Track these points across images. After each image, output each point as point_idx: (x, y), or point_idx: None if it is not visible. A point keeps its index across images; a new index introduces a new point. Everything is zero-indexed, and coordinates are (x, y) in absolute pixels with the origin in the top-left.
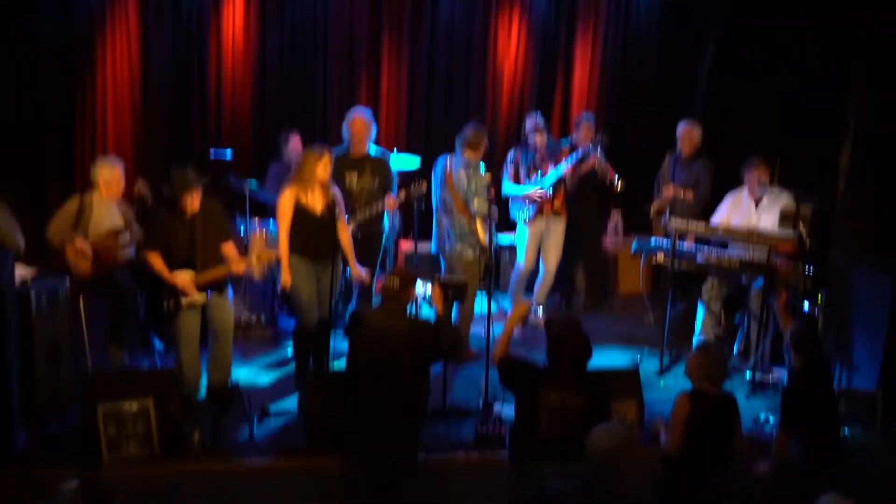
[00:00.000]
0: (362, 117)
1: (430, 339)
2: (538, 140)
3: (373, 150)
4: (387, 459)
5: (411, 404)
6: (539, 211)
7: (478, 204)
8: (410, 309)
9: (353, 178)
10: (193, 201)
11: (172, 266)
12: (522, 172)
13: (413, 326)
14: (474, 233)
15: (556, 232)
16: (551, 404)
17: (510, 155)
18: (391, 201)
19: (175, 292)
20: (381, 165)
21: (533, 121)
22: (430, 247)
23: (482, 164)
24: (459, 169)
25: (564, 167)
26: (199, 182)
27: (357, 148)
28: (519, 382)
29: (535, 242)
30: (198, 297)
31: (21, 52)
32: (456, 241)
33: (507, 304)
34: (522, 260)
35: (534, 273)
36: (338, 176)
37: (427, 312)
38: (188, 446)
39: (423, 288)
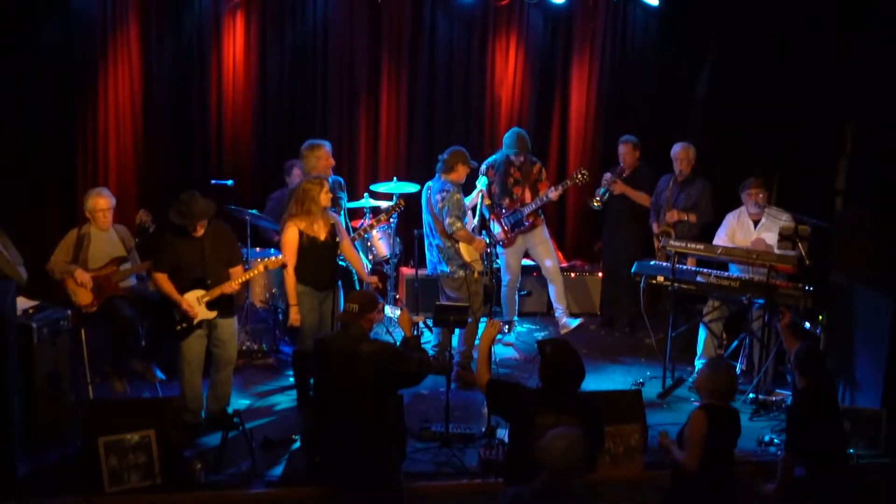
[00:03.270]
0: (328, 150)
1: (392, 362)
2: (516, 160)
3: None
4: (363, 483)
5: (380, 426)
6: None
7: (449, 223)
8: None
9: None
10: (196, 228)
11: (183, 286)
12: (497, 188)
13: (376, 349)
14: (460, 253)
15: (538, 236)
16: (547, 426)
17: (482, 168)
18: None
19: (186, 314)
20: (333, 194)
21: (518, 136)
22: (428, 271)
23: (484, 180)
24: (436, 193)
25: (549, 196)
26: (205, 213)
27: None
28: (510, 407)
29: (517, 256)
30: (208, 315)
31: (22, 84)
32: (446, 264)
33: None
34: (506, 274)
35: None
36: None
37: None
38: (190, 476)
39: (391, 312)
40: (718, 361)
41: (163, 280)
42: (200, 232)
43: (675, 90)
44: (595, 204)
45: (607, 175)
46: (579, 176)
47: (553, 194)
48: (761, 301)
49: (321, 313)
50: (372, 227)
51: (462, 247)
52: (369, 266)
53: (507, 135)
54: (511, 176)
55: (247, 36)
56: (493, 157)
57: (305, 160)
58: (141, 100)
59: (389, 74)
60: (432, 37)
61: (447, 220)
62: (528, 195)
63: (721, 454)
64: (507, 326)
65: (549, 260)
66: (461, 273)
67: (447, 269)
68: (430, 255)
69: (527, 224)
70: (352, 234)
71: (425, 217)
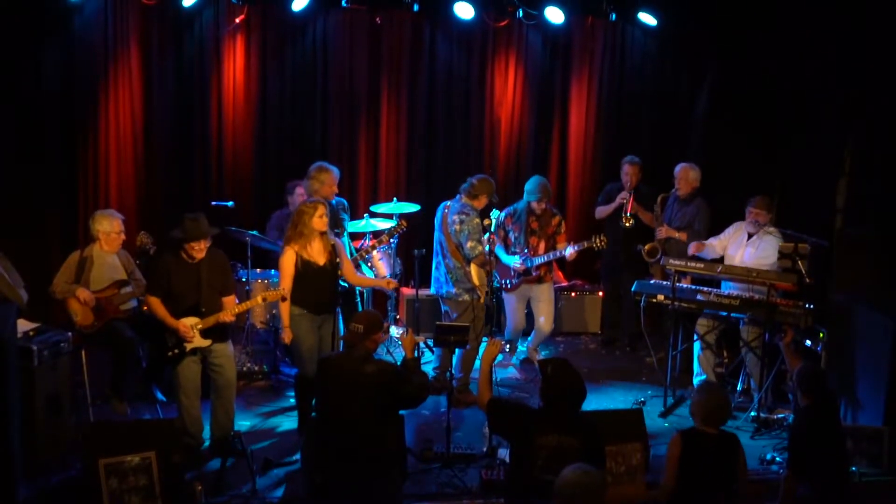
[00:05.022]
0: (334, 176)
1: (394, 383)
2: (538, 207)
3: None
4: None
5: (381, 446)
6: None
7: (470, 246)
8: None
9: None
10: (201, 250)
11: (177, 311)
12: (512, 238)
13: (379, 370)
14: (469, 276)
15: (543, 293)
16: (548, 447)
17: (500, 217)
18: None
19: (179, 338)
20: (336, 215)
21: (541, 183)
22: (431, 290)
23: (495, 212)
24: (454, 214)
25: (565, 253)
26: (210, 232)
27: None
28: (511, 426)
29: (521, 305)
30: (202, 342)
31: (23, 106)
32: (452, 285)
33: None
34: (511, 322)
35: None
36: None
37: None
38: (190, 498)
39: (396, 332)
40: (708, 386)
41: (156, 304)
42: (199, 256)
43: (674, 109)
44: (627, 224)
45: (623, 193)
46: (598, 241)
47: (570, 253)
48: (743, 315)
49: (320, 337)
50: (373, 247)
51: (473, 269)
52: (393, 272)
53: (528, 182)
54: (530, 226)
55: (247, 58)
56: (514, 205)
57: (311, 181)
58: (142, 122)
59: (389, 95)
60: (432, 57)
61: (468, 244)
62: (542, 247)
63: (703, 479)
64: (507, 346)
65: (545, 318)
66: (466, 297)
67: (453, 291)
68: (437, 274)
69: (534, 275)
70: (353, 255)
71: (437, 235)
